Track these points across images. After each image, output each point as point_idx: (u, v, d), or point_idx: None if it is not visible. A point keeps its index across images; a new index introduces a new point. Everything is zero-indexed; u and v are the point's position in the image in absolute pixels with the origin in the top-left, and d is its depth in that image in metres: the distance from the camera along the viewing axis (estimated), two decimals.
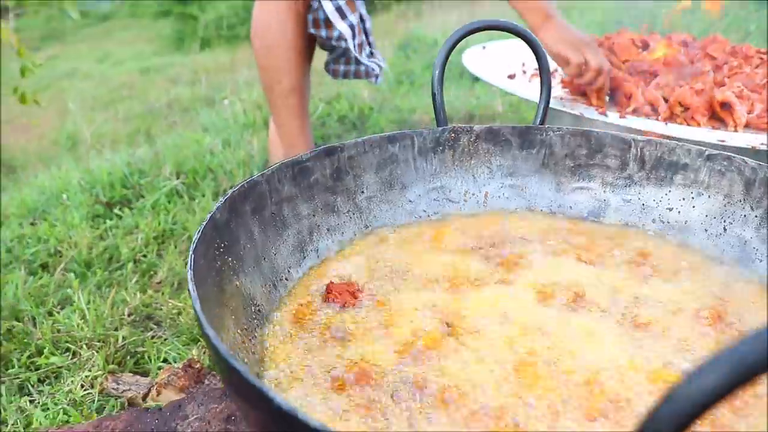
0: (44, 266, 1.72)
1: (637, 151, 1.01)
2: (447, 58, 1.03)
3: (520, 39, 1.03)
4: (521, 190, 1.07)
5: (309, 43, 1.87)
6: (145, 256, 1.76)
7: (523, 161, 1.07)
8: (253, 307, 0.79)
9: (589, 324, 0.77)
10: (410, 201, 1.05)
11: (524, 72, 1.78)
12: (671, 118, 1.43)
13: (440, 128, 1.05)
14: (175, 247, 1.78)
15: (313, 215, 0.95)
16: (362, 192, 1.01)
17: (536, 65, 1.87)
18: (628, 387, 0.67)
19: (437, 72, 1.03)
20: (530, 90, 1.57)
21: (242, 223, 0.83)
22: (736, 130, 1.36)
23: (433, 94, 1.05)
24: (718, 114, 1.41)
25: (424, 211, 1.05)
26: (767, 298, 0.83)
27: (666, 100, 1.45)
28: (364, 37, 1.83)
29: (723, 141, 1.28)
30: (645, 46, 1.88)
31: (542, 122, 1.07)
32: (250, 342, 0.74)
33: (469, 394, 0.66)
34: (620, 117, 1.38)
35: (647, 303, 0.82)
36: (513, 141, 1.06)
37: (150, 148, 2.41)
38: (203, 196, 2.04)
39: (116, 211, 1.96)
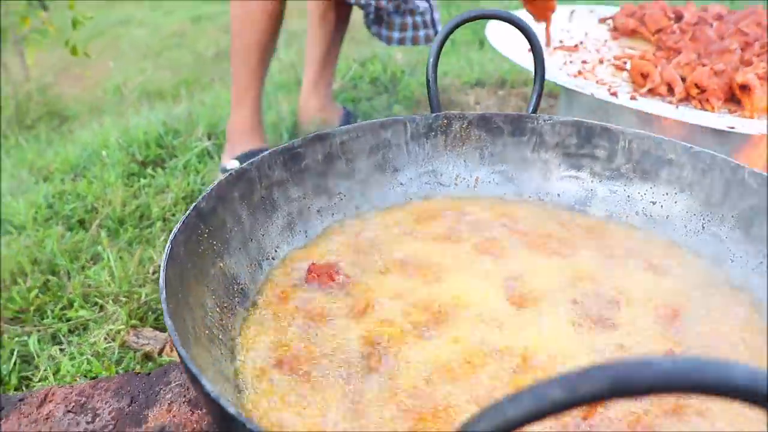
0: (81, 222, 1.86)
1: (625, 144, 1.04)
2: (441, 46, 1.06)
3: (515, 28, 1.06)
4: (511, 176, 1.11)
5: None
6: (173, 215, 1.88)
7: (514, 148, 1.11)
8: (235, 286, 0.87)
9: (543, 318, 0.82)
10: (401, 184, 1.11)
11: (548, 45, 1.77)
12: (687, 99, 1.42)
13: (433, 114, 1.10)
14: None
15: (304, 198, 1.02)
16: (354, 176, 1.07)
17: (559, 39, 1.87)
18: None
19: (432, 60, 1.07)
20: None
21: (229, 209, 0.91)
22: (751, 116, 1.34)
23: (427, 81, 1.09)
24: (738, 96, 1.40)
25: (415, 193, 1.11)
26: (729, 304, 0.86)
27: (684, 80, 1.44)
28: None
29: (733, 127, 1.28)
30: (678, 17, 1.83)
31: (534, 110, 1.10)
32: (228, 319, 0.83)
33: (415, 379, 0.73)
34: (630, 98, 1.38)
35: (609, 295, 0.86)
36: (505, 128, 1.10)
37: (186, 107, 2.52)
38: None
39: (149, 170, 2.08)
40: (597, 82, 1.51)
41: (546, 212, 1.07)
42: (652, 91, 1.47)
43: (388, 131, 1.08)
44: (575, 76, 1.54)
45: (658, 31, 1.84)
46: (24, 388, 1.28)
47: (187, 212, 0.81)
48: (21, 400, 0.80)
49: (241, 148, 2.03)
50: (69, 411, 0.77)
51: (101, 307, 1.49)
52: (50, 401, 0.79)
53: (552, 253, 0.95)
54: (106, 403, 0.78)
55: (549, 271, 0.91)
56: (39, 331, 1.42)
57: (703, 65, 1.48)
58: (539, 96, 1.09)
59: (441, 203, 1.10)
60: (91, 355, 1.34)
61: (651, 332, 0.81)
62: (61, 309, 1.47)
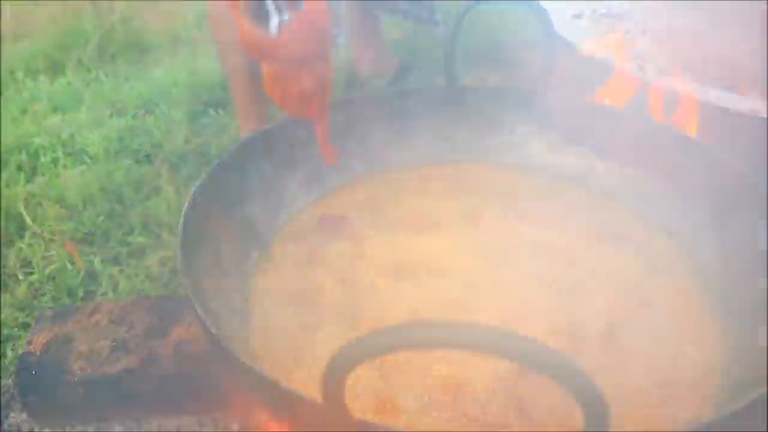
0: (147, 156, 2.09)
1: (622, 123, 1.13)
2: (460, 24, 1.17)
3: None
4: (519, 146, 1.23)
5: None
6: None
7: (523, 121, 1.22)
8: (252, 231, 1.05)
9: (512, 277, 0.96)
10: (416, 148, 1.24)
11: (594, 10, 1.82)
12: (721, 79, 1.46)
13: (448, 87, 1.21)
14: None
15: (323, 156, 1.18)
16: (372, 138, 1.21)
17: (608, 4, 1.89)
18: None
19: (450, 41, 1.18)
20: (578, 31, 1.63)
21: (253, 163, 1.07)
22: None
23: (446, 54, 1.20)
24: None
25: (429, 156, 1.24)
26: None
27: None
28: None
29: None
30: None
31: (542, 87, 1.20)
32: (242, 257, 1.01)
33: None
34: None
35: (578, 267, 0.99)
36: (515, 101, 1.21)
37: None
38: None
39: (212, 110, 2.28)
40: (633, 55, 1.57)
41: (545, 183, 1.18)
42: (686, 68, 1.51)
43: (406, 100, 1.21)
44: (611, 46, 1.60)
45: None
46: (91, 300, 1.53)
47: (214, 165, 0.98)
48: (77, 309, 1.01)
49: None
50: (112, 321, 0.98)
51: (157, 235, 1.71)
52: (98, 312, 1.00)
53: (530, 223, 1.07)
54: (140, 318, 0.99)
55: (518, 237, 1.04)
56: (104, 252, 1.66)
57: None
58: (549, 71, 1.19)
59: (449, 168, 1.23)
60: (145, 277, 1.57)
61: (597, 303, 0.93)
62: (123, 234, 1.71)
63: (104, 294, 1.52)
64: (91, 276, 1.59)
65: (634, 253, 1.02)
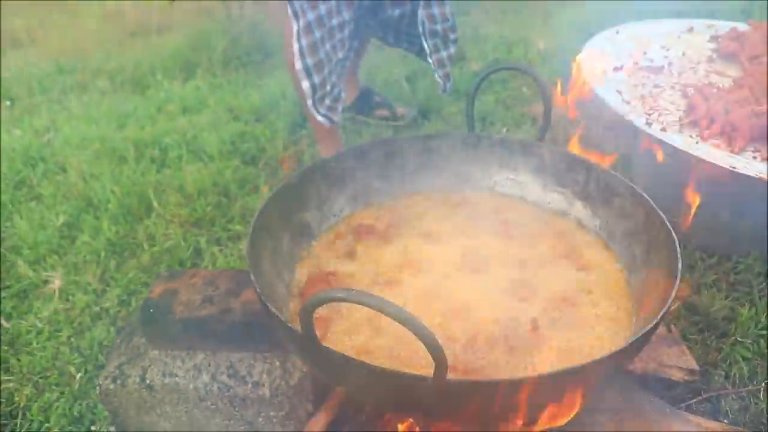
0: (253, 158, 2.64)
1: (595, 175, 1.51)
2: (477, 88, 1.59)
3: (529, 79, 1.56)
4: (519, 183, 1.63)
5: None
6: None
7: (524, 164, 1.62)
8: (306, 230, 1.52)
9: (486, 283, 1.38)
10: (440, 178, 1.68)
11: (635, 63, 2.14)
12: (719, 135, 1.78)
13: (468, 133, 1.64)
14: None
15: (367, 179, 1.63)
16: (405, 168, 1.66)
17: (651, 57, 2.23)
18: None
19: (471, 96, 1.61)
20: (614, 88, 1.98)
21: (312, 183, 1.54)
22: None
23: (467, 110, 1.63)
24: None
25: (448, 185, 1.67)
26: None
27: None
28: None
29: (734, 167, 1.65)
30: None
31: (540, 139, 1.59)
32: (297, 247, 1.48)
33: None
34: (661, 130, 1.78)
35: (537, 278, 1.39)
36: (518, 149, 1.62)
37: None
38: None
39: (308, 124, 2.80)
40: (651, 108, 1.91)
41: (535, 213, 1.58)
42: (694, 123, 1.84)
43: (434, 141, 1.65)
44: (637, 99, 1.94)
45: (755, 57, 2.13)
46: None
47: (280, 185, 1.46)
48: (183, 273, 1.53)
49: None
50: (204, 283, 1.49)
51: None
52: (196, 276, 1.51)
53: (514, 242, 1.48)
54: (223, 283, 1.48)
55: (499, 250, 1.45)
56: (209, 234, 2.21)
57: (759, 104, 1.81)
58: (545, 128, 1.58)
59: (464, 195, 1.65)
60: (238, 257, 2.10)
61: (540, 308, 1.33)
62: (225, 222, 2.25)
63: (205, 267, 2.07)
64: (197, 252, 2.14)
65: (584, 270, 1.41)
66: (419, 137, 1.65)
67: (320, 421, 1.46)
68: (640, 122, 1.82)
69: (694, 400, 1.61)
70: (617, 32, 2.32)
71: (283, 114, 2.88)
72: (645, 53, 2.23)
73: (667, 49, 2.28)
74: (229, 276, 1.53)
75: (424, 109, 2.85)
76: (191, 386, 1.42)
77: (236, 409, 1.44)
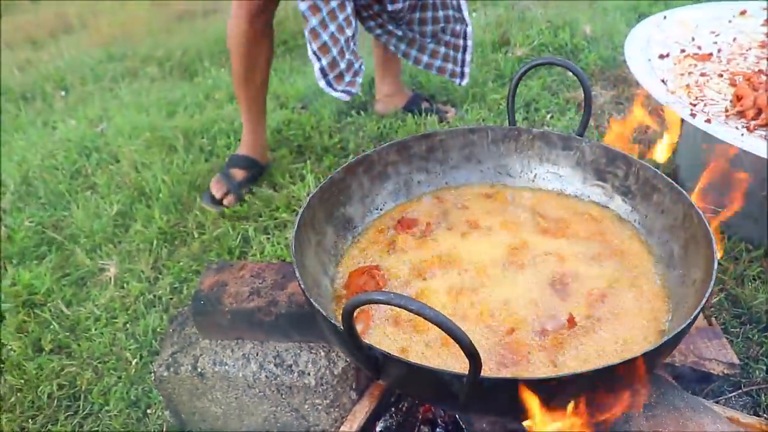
0: (299, 147, 2.71)
1: (635, 170, 1.53)
2: (519, 81, 1.62)
3: (570, 72, 1.58)
4: (559, 177, 1.66)
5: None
6: (363, 150, 2.64)
7: (564, 158, 1.65)
8: (350, 224, 1.59)
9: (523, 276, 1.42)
10: (481, 171, 1.72)
11: (682, 50, 2.13)
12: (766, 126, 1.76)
13: (508, 127, 1.67)
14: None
15: (409, 173, 1.69)
16: (447, 162, 1.71)
17: (699, 44, 2.21)
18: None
19: (511, 89, 1.64)
20: (659, 77, 1.98)
21: (355, 178, 1.60)
22: None
23: (507, 103, 1.66)
24: None
25: (490, 178, 1.71)
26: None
27: None
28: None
29: None
30: None
31: (581, 134, 1.62)
32: (340, 240, 1.55)
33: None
34: (705, 121, 1.77)
35: (575, 274, 1.43)
36: (558, 143, 1.64)
37: None
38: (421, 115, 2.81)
39: (354, 112, 2.86)
40: (696, 98, 1.90)
41: (574, 206, 1.61)
42: (741, 114, 1.83)
43: (475, 135, 1.69)
44: (682, 88, 1.94)
45: None
46: (243, 259, 2.17)
47: (324, 180, 1.53)
48: (231, 265, 1.61)
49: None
50: (252, 276, 1.57)
51: (296, 212, 2.32)
52: (244, 269, 1.60)
53: (553, 237, 1.52)
54: (270, 275, 1.56)
55: (536, 244, 1.49)
56: (256, 223, 2.30)
57: None
58: (586, 122, 1.61)
59: (505, 188, 1.69)
60: (284, 246, 2.18)
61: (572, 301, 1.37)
62: (271, 211, 2.34)
63: (253, 255, 2.16)
64: (246, 241, 2.23)
65: (622, 265, 1.44)
66: (460, 131, 1.69)
67: (363, 408, 1.54)
68: (684, 113, 1.82)
69: (733, 394, 1.64)
70: (665, 17, 2.30)
71: (329, 101, 2.94)
72: (693, 39, 2.21)
73: (717, 35, 2.26)
74: (275, 269, 1.61)
75: (466, 96, 2.88)
76: (240, 374, 1.51)
77: (283, 396, 1.53)
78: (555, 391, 1.07)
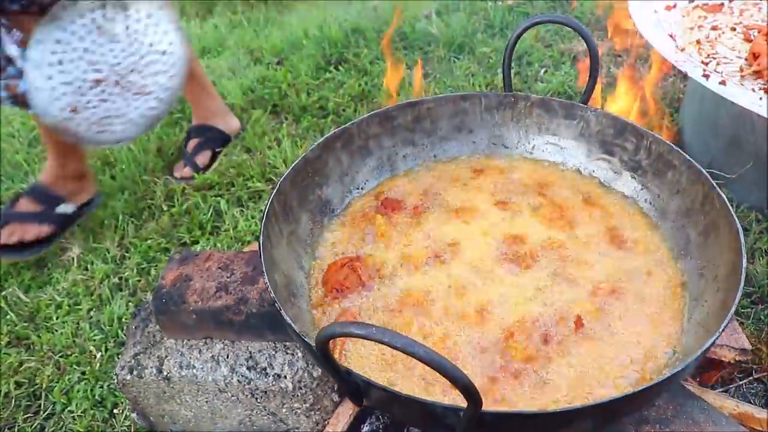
0: (275, 106, 2.48)
1: (647, 143, 1.33)
2: (515, 44, 1.40)
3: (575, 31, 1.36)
4: (560, 148, 1.46)
5: None
6: (344, 110, 2.42)
7: (566, 128, 1.45)
8: (327, 206, 1.39)
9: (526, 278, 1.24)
10: (473, 142, 1.51)
11: (691, 0, 1.90)
12: None
13: (504, 93, 1.46)
14: (367, 107, 2.40)
15: (394, 146, 1.48)
16: (436, 133, 1.50)
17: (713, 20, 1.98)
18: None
19: (507, 51, 1.42)
20: (666, 32, 1.76)
21: (332, 154, 1.40)
22: None
23: (503, 67, 1.45)
24: None
25: (483, 150, 1.51)
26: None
27: None
28: None
29: None
30: None
31: (585, 102, 1.41)
32: (317, 227, 1.35)
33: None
34: (720, 83, 1.57)
35: (579, 265, 1.25)
36: (560, 111, 1.44)
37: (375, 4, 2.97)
38: (407, 67, 2.57)
39: (332, 68, 2.62)
40: (708, 56, 1.69)
41: (576, 183, 1.42)
42: (757, 74, 1.63)
43: (467, 102, 1.48)
44: (692, 45, 1.73)
45: None
46: (216, 235, 1.97)
47: (296, 160, 1.32)
48: (195, 256, 1.42)
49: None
50: (219, 268, 1.38)
51: (273, 182, 2.11)
52: (211, 260, 1.40)
53: (554, 220, 1.33)
54: (239, 268, 1.37)
55: (534, 231, 1.30)
56: (229, 194, 2.09)
57: None
58: (591, 90, 1.40)
59: (500, 161, 1.49)
60: (259, 219, 1.98)
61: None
62: (245, 180, 2.13)
63: (226, 231, 1.96)
64: (218, 214, 2.03)
65: (632, 254, 1.26)
66: (450, 98, 1.48)
67: (347, 410, 1.37)
68: (696, 74, 1.61)
69: (744, 381, 1.49)
70: None
71: (306, 56, 2.70)
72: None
73: None
74: (245, 259, 1.42)
75: (455, 47, 2.64)
76: (210, 378, 1.34)
77: (258, 400, 1.35)
78: (565, 423, 0.90)
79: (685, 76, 2.15)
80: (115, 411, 1.56)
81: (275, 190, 1.26)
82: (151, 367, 1.37)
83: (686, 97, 2.09)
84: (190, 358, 1.36)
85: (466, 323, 1.16)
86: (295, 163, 1.32)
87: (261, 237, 1.16)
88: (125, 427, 1.53)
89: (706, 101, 1.93)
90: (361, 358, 1.14)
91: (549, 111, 1.45)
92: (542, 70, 2.40)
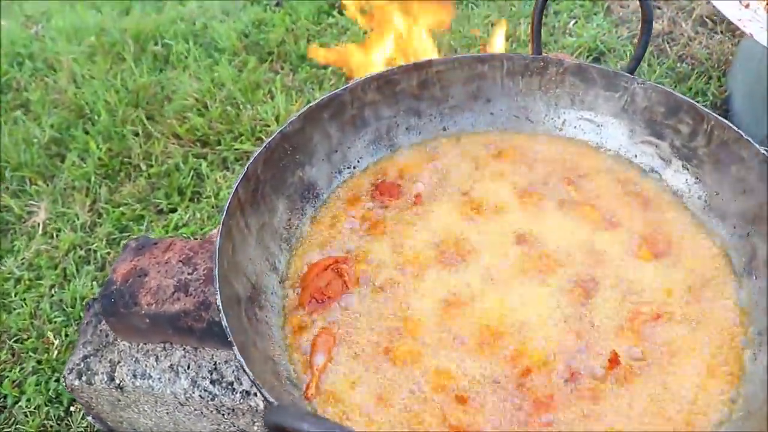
0: (270, 54, 2.17)
1: (707, 128, 1.04)
2: (545, 2, 1.10)
3: None
4: (597, 126, 1.17)
5: None
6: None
7: (605, 101, 1.15)
8: (311, 191, 1.11)
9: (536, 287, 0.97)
10: (492, 114, 1.22)
11: None
12: None
13: (532, 56, 1.16)
14: None
15: (394, 117, 1.19)
16: (446, 101, 1.20)
17: None
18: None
19: (538, 7, 1.11)
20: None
21: (318, 127, 1.11)
22: None
23: (532, 24, 1.14)
24: None
25: (503, 123, 1.22)
26: None
27: None
28: None
29: None
30: None
31: (632, 70, 1.11)
32: (296, 216, 1.08)
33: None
34: (765, 9, 1.26)
35: (614, 279, 0.98)
36: (599, 81, 1.14)
37: None
38: None
39: (336, 12, 2.29)
40: None
41: (614, 171, 1.13)
42: None
43: (485, 65, 1.18)
44: (759, 0, 1.40)
45: None
46: (196, 201, 1.70)
47: (272, 136, 1.04)
48: (154, 244, 1.16)
49: None
50: (180, 261, 1.12)
51: (262, 141, 1.83)
52: (171, 250, 1.14)
53: (586, 219, 1.05)
54: (203, 262, 1.11)
55: (564, 236, 1.02)
56: (214, 153, 1.81)
57: None
58: (640, 58, 1.10)
59: (522, 138, 1.20)
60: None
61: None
62: (232, 137, 1.84)
63: (207, 198, 1.69)
64: (200, 177, 1.76)
65: (679, 267, 0.99)
66: (465, 59, 1.17)
67: None
68: (762, 37, 1.29)
69: None
70: None
71: None
72: None
73: None
74: (211, 250, 1.15)
75: None
76: (168, 391, 1.10)
77: (225, 416, 1.12)
78: None
79: (734, 33, 1.82)
80: (71, 409, 1.34)
81: (242, 176, 0.98)
82: (102, 374, 1.13)
83: (738, 59, 1.77)
84: (146, 365, 1.12)
85: (472, 355, 0.90)
86: (270, 139, 1.04)
87: (219, 239, 0.89)
88: (82, 429, 1.31)
89: (764, 65, 1.60)
90: (344, 394, 0.89)
91: (586, 80, 1.15)
92: (571, 22, 2.06)
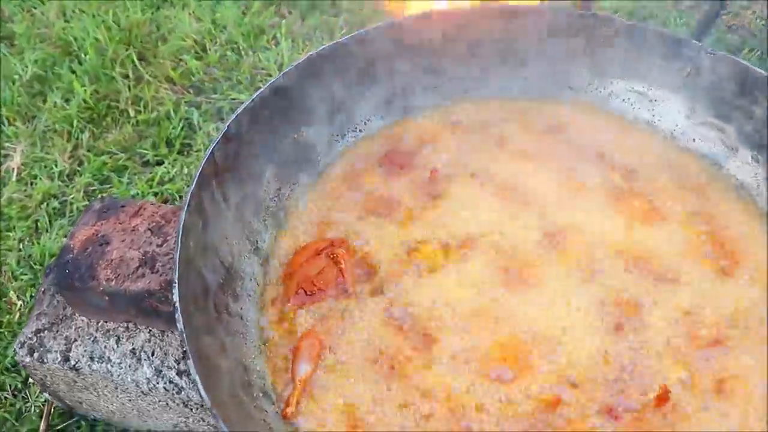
0: None
1: None
2: None
3: None
4: (650, 101, 0.96)
5: None
6: (362, 9, 1.87)
7: (662, 72, 0.94)
8: (307, 156, 0.92)
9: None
10: (525, 78, 1.01)
11: None
12: None
13: (579, 11, 0.94)
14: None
15: (410, 74, 0.99)
16: (471, 60, 0.99)
17: None
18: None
19: None
20: None
21: (319, 83, 0.91)
22: None
23: None
24: None
25: (538, 90, 1.01)
26: None
27: None
28: None
29: None
30: None
31: (699, 36, 0.89)
32: (287, 186, 0.89)
33: None
34: None
35: (663, 292, 0.78)
36: (658, 47, 0.92)
37: None
38: None
39: None
40: None
41: (667, 156, 0.92)
42: None
43: (521, 19, 0.96)
44: None
45: None
46: (185, 155, 1.50)
47: (260, 90, 0.84)
48: (122, 206, 0.97)
49: None
50: (149, 229, 0.93)
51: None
52: (140, 215, 0.95)
53: (632, 215, 0.85)
54: (175, 231, 0.93)
55: (605, 236, 0.83)
56: (208, 103, 1.60)
57: None
58: (712, 20, 0.88)
59: (559, 109, 0.99)
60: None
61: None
62: (230, 84, 1.63)
63: (197, 151, 1.49)
64: (191, 128, 1.55)
65: (742, 280, 0.79)
66: (497, 10, 0.96)
67: None
68: None
69: None
70: None
71: None
72: None
73: None
74: None
75: None
76: (129, 378, 0.92)
77: (193, 411, 0.94)
78: None
79: None
80: (30, 381, 1.16)
81: (220, 135, 0.79)
82: (56, 352, 0.95)
83: None
84: (105, 347, 0.94)
85: (490, 381, 0.71)
86: (257, 92, 0.84)
87: (184, 214, 0.70)
88: (40, 404, 1.14)
89: None
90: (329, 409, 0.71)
91: (642, 45, 0.94)
92: None
